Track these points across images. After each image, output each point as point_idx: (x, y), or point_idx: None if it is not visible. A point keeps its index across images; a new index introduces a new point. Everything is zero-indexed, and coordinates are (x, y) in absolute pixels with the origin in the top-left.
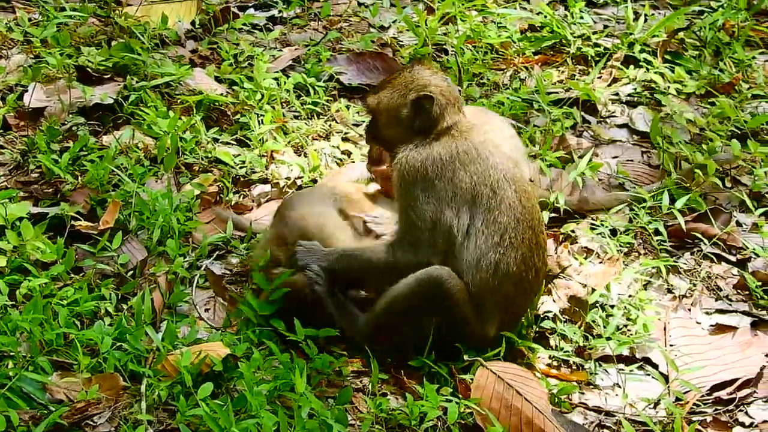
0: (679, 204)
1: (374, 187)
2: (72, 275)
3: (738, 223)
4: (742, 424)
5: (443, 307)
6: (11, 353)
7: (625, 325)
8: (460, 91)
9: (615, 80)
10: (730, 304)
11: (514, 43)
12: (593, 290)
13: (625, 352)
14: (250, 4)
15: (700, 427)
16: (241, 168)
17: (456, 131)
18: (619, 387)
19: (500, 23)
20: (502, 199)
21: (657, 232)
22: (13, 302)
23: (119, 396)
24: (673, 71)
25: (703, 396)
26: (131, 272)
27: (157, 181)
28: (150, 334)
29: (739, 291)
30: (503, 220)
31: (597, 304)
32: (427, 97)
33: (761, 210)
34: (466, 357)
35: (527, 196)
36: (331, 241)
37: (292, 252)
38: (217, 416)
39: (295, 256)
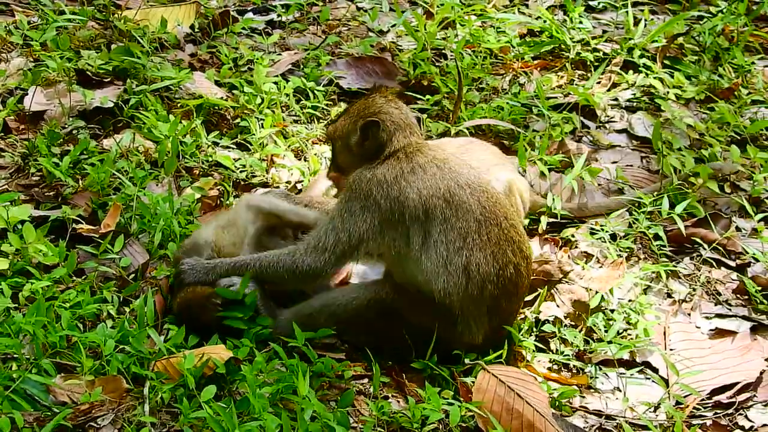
0: (678, 209)
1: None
2: (74, 278)
3: (737, 228)
4: (742, 428)
5: (402, 323)
6: (15, 355)
7: (626, 330)
8: (419, 119)
9: (614, 85)
10: (730, 309)
11: (514, 47)
12: (597, 293)
13: (626, 356)
14: (249, 8)
15: (700, 431)
16: (241, 172)
17: (403, 153)
18: (620, 391)
19: (499, 28)
20: (457, 205)
21: (657, 237)
22: (16, 305)
23: (122, 398)
24: (672, 76)
25: (703, 400)
26: (133, 275)
27: (157, 185)
28: (153, 336)
29: (738, 296)
30: (462, 224)
31: (598, 309)
32: (374, 123)
33: (761, 215)
34: (467, 360)
35: (487, 196)
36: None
37: (177, 271)
38: (220, 418)
39: (180, 276)
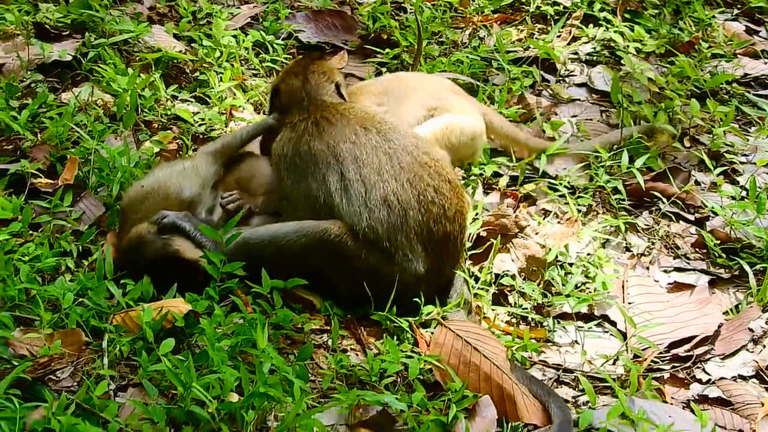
0: (638, 163)
1: None
2: (32, 232)
3: (696, 182)
4: (699, 381)
5: (344, 263)
6: None
7: (584, 283)
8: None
9: (574, 39)
10: (688, 263)
11: (473, 1)
12: (550, 250)
13: (584, 309)
14: None
15: (657, 383)
16: (200, 125)
17: (308, 113)
18: (578, 344)
19: None
20: (363, 144)
21: (616, 191)
22: None
23: (82, 351)
24: (632, 30)
25: (660, 353)
26: (88, 228)
27: (116, 138)
28: (112, 290)
29: (697, 249)
30: (372, 160)
31: (556, 263)
32: (276, 91)
33: (720, 169)
34: (424, 314)
35: (395, 131)
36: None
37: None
38: (178, 371)
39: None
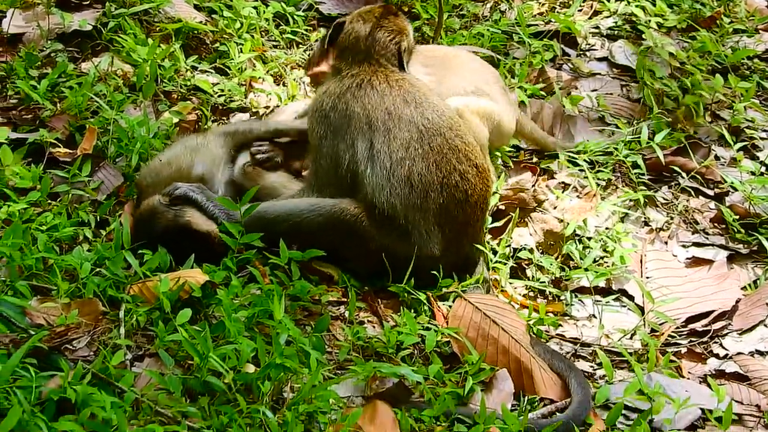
0: (658, 138)
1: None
2: (51, 202)
3: (716, 157)
4: (717, 356)
5: (360, 242)
6: None
7: (602, 257)
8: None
9: (596, 13)
10: (707, 238)
11: None
12: (568, 225)
13: (602, 283)
14: None
15: (674, 358)
16: (219, 96)
17: (356, 73)
18: (595, 318)
19: None
20: (399, 117)
21: (635, 165)
22: None
23: (98, 321)
24: (654, 4)
25: (678, 328)
26: (106, 198)
27: (135, 109)
28: (129, 260)
29: (716, 224)
30: (404, 135)
31: (574, 237)
32: (338, 26)
33: (740, 144)
34: (443, 286)
35: (433, 109)
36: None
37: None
38: (195, 342)
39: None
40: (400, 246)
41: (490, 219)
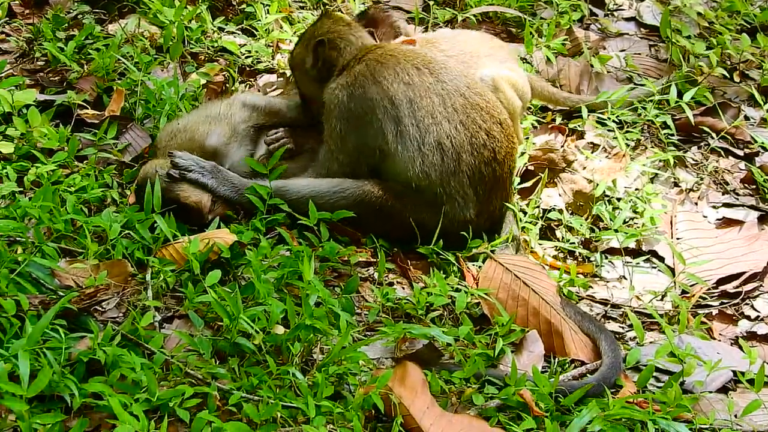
0: (686, 97)
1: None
2: (78, 163)
3: (746, 117)
4: (748, 317)
5: (387, 219)
6: (20, 239)
7: (632, 218)
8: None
9: None
10: (737, 198)
11: None
12: (597, 185)
13: (632, 245)
14: None
15: (705, 320)
16: (247, 57)
17: (356, 60)
18: (626, 279)
19: None
20: (417, 85)
21: (665, 126)
22: (21, 189)
23: (127, 282)
24: None
25: (708, 289)
26: (135, 160)
27: (162, 70)
28: (159, 222)
29: (746, 185)
30: (426, 102)
31: (603, 198)
32: (320, 43)
33: None
34: (472, 247)
35: (446, 71)
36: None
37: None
38: (225, 303)
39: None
40: (433, 217)
41: (518, 180)
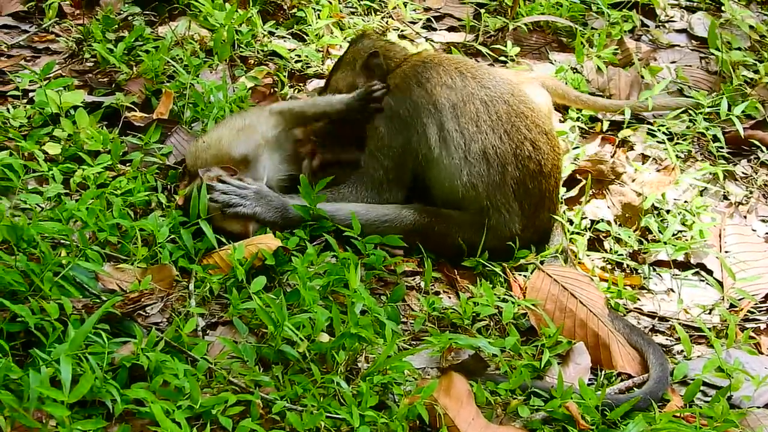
0: (737, 111)
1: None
2: (122, 167)
3: None
4: None
5: (436, 240)
6: (65, 241)
7: (680, 231)
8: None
9: None
10: None
11: None
12: (646, 199)
13: (680, 257)
14: None
15: (753, 335)
16: (296, 62)
17: (401, 65)
18: (674, 292)
19: None
20: (460, 89)
21: (715, 139)
22: (67, 191)
23: (172, 288)
24: None
25: (757, 304)
26: (180, 164)
27: (211, 73)
28: (204, 228)
29: None
30: (470, 108)
31: (652, 210)
32: (373, 54)
33: None
34: (520, 259)
35: (489, 77)
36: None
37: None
38: (270, 310)
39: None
40: (478, 235)
41: (564, 189)
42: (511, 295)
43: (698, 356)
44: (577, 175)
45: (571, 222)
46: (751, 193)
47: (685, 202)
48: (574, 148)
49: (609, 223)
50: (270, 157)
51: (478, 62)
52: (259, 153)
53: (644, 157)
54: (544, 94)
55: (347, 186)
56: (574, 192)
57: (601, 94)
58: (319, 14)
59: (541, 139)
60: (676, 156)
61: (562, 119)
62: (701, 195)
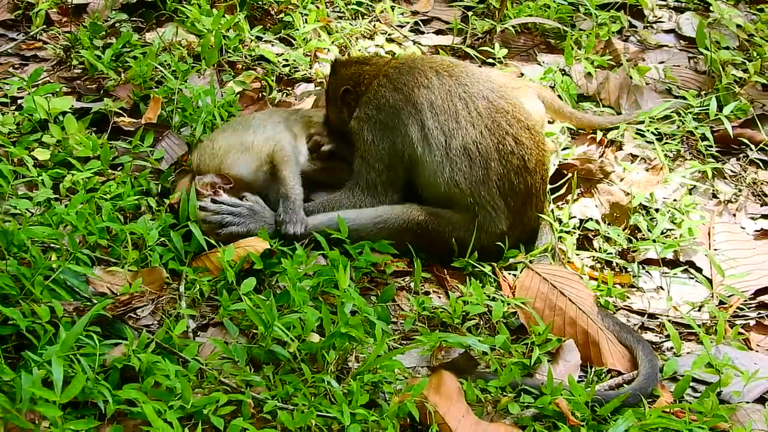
0: (727, 110)
1: None
2: (112, 171)
3: None
4: None
5: (428, 239)
6: (55, 246)
7: (670, 229)
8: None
9: None
10: None
11: None
12: (634, 198)
13: (669, 255)
14: None
15: (743, 331)
16: (284, 66)
17: (374, 79)
18: (663, 290)
19: None
20: (437, 88)
21: (704, 138)
22: (57, 196)
23: (162, 290)
24: None
25: (746, 300)
26: (170, 167)
27: (199, 78)
28: (193, 230)
29: None
30: (449, 106)
31: (641, 208)
32: (345, 92)
33: None
34: (510, 258)
35: (467, 73)
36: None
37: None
38: (260, 311)
39: (238, 219)
40: (468, 234)
41: (550, 187)
42: (500, 294)
43: (688, 353)
44: (564, 170)
45: (559, 221)
46: (740, 191)
47: (674, 200)
48: (563, 149)
49: (597, 222)
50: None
51: (456, 61)
52: (259, 177)
53: (633, 157)
54: (539, 104)
55: (343, 192)
56: (561, 191)
57: (592, 101)
58: (306, 19)
59: (523, 134)
60: (665, 155)
61: (551, 120)
62: (690, 193)
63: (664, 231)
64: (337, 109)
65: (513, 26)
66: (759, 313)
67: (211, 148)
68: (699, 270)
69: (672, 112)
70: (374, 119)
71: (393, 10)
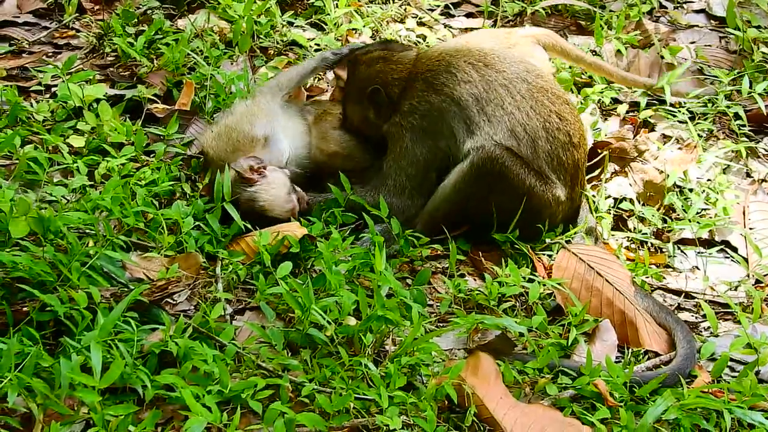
0: (759, 88)
1: None
2: (146, 158)
3: None
4: None
5: (508, 182)
6: (91, 232)
7: (704, 209)
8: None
9: None
10: None
11: None
12: (668, 176)
13: (705, 235)
14: None
15: None
16: (316, 51)
17: (410, 83)
18: (699, 270)
19: None
20: (477, 81)
21: (737, 117)
22: (92, 182)
23: (199, 275)
24: None
25: None
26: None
27: (232, 64)
28: (230, 211)
29: None
30: (492, 95)
31: (675, 188)
32: (374, 92)
33: None
34: (546, 239)
35: (500, 60)
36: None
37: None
38: (297, 294)
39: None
40: (537, 189)
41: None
42: (536, 275)
43: (725, 332)
44: (599, 149)
45: (594, 201)
46: None
47: (708, 180)
48: (594, 128)
49: (632, 201)
50: (286, 124)
51: (483, 48)
52: (273, 129)
53: (665, 137)
54: (540, 51)
55: (368, 190)
56: (595, 172)
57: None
58: (337, 3)
59: (565, 110)
60: (698, 135)
61: (583, 103)
62: (724, 173)
63: (699, 210)
64: (362, 108)
65: (543, 8)
66: None
67: (211, 132)
68: (735, 249)
69: (704, 92)
70: (418, 127)
71: None
